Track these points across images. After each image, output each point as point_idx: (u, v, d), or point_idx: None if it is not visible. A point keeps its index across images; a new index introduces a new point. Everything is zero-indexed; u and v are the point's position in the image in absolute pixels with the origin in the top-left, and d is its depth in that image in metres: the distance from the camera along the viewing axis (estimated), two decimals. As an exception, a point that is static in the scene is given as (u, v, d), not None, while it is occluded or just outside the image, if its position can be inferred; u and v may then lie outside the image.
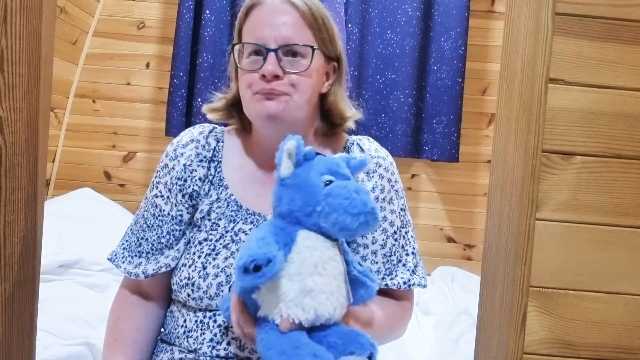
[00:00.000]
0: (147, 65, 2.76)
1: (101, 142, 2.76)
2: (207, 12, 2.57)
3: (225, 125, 1.12)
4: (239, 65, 1.01)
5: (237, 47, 1.03)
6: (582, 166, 0.76)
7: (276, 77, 0.96)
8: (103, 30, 2.74)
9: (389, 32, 2.61)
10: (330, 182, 0.85)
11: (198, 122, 2.44)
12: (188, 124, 2.56)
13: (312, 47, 0.98)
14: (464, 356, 1.68)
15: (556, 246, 0.76)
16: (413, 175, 2.75)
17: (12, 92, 0.72)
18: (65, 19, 2.49)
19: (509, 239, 0.79)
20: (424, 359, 1.73)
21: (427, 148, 2.65)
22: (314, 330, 0.83)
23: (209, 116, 1.10)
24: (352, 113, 1.08)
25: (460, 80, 2.60)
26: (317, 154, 0.90)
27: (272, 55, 0.96)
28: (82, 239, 2.11)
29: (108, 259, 1.07)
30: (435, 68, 2.62)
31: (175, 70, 2.58)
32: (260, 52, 0.98)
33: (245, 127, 1.08)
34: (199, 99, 2.57)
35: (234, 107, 1.08)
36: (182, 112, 2.59)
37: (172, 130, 2.57)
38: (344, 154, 0.96)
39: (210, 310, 0.97)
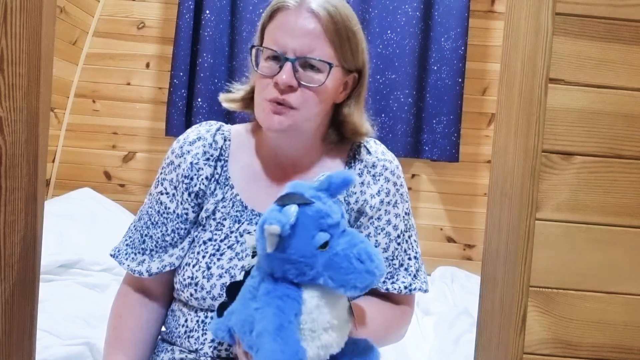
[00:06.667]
0: (147, 65, 2.76)
1: (101, 142, 2.76)
2: (207, 12, 2.57)
3: (233, 121, 1.11)
4: (255, 67, 1.00)
5: (256, 47, 1.01)
6: (582, 166, 0.76)
7: (290, 87, 0.95)
8: (103, 30, 2.74)
9: (389, 32, 2.61)
10: (326, 243, 0.81)
11: (198, 122, 2.43)
12: (188, 124, 2.56)
13: (329, 63, 0.96)
14: (464, 356, 1.68)
15: (556, 246, 0.76)
16: (413, 175, 2.75)
17: (12, 92, 0.72)
18: (65, 19, 2.49)
19: (508, 239, 0.79)
20: (424, 359, 1.73)
21: (427, 148, 2.65)
22: None
23: (225, 105, 1.08)
24: (366, 129, 1.06)
25: (460, 80, 2.60)
26: (295, 195, 0.82)
27: (288, 65, 0.94)
28: (82, 239, 2.11)
29: (111, 255, 1.07)
30: (435, 68, 2.62)
31: (175, 70, 2.58)
32: (278, 58, 0.96)
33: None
34: (199, 99, 2.57)
35: (252, 99, 1.05)
36: (182, 112, 2.59)
37: (172, 130, 2.57)
38: (326, 173, 0.87)
39: (212, 311, 0.97)
